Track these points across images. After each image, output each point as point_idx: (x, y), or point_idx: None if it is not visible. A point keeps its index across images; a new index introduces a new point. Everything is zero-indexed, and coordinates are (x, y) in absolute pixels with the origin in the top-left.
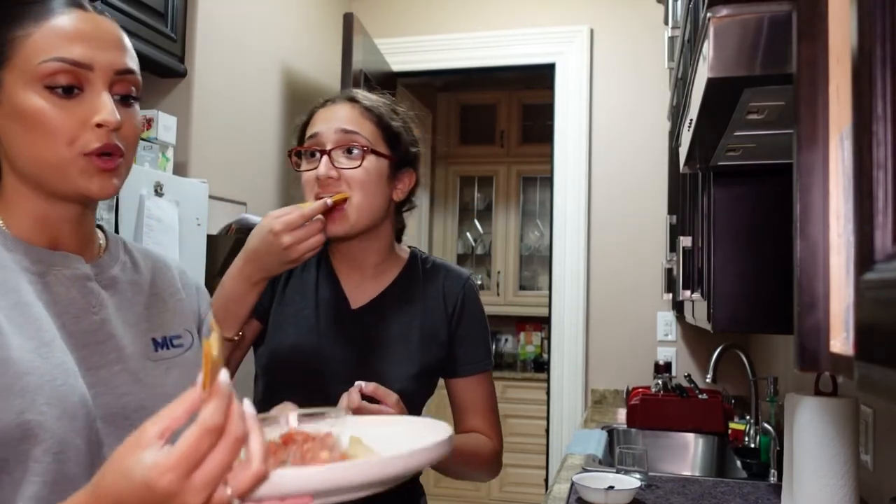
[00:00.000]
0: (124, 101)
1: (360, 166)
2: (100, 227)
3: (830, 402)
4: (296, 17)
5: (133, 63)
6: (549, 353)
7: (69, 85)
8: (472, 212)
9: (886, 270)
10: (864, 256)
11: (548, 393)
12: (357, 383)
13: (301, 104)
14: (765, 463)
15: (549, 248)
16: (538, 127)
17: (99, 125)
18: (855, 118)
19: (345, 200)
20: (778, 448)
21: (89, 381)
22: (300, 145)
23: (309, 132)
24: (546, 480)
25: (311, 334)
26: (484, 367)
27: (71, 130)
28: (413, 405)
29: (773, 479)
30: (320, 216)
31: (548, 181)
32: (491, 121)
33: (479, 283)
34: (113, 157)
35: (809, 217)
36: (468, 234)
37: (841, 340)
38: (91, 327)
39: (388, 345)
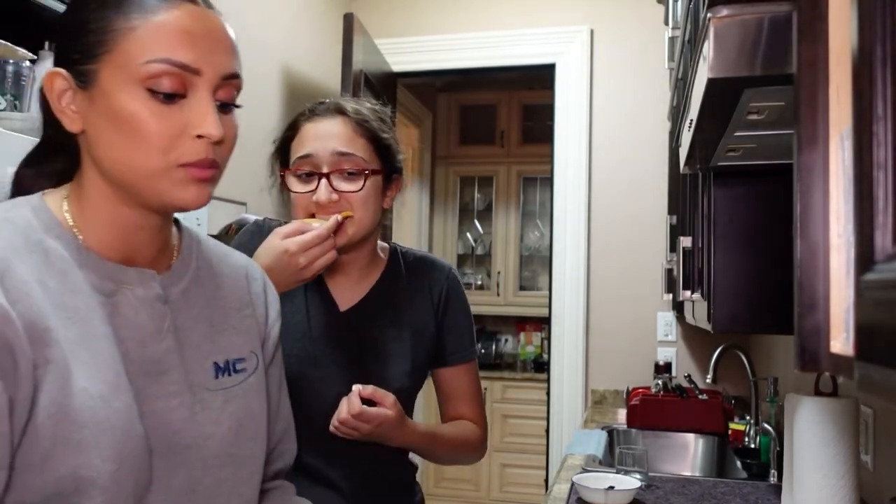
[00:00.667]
0: (224, 108)
1: (361, 189)
2: (176, 222)
3: (830, 403)
4: (296, 18)
5: (239, 66)
6: (549, 353)
7: (173, 91)
8: (472, 212)
9: (887, 271)
10: (865, 257)
11: (548, 393)
12: (355, 387)
13: (301, 104)
14: (765, 463)
15: (550, 249)
16: (538, 127)
17: (200, 136)
18: (855, 119)
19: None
20: (778, 448)
21: (145, 411)
22: (285, 163)
23: (299, 150)
24: (546, 481)
25: (303, 340)
26: (470, 356)
27: (168, 139)
28: (409, 401)
29: (773, 480)
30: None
31: (548, 181)
32: (491, 121)
33: (480, 283)
34: (210, 168)
35: (810, 217)
36: (468, 234)
37: (841, 341)
38: (156, 356)
39: (381, 344)
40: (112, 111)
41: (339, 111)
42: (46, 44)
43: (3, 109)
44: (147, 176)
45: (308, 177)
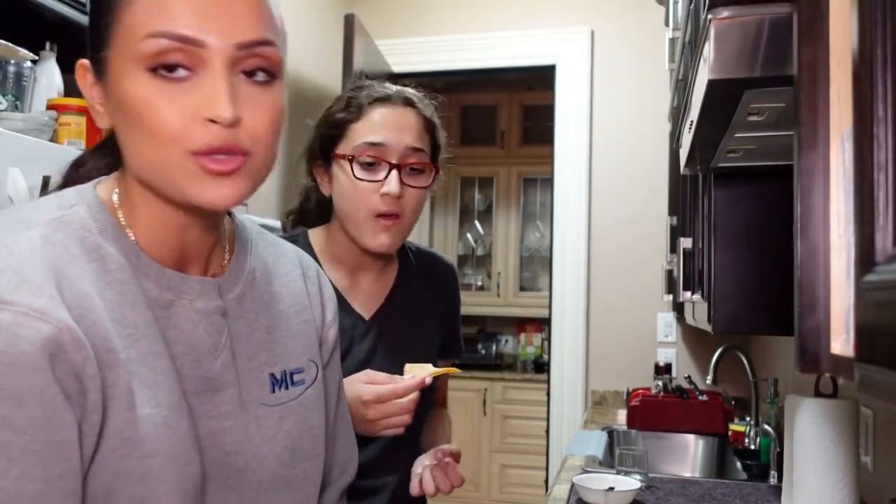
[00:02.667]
0: (257, 82)
1: (426, 187)
2: (229, 214)
3: (831, 404)
4: (296, 19)
5: (266, 30)
6: (549, 354)
7: (175, 64)
8: (472, 213)
9: (887, 272)
10: (865, 258)
11: (548, 394)
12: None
13: (302, 105)
14: (765, 464)
15: (550, 249)
16: (539, 128)
17: (211, 120)
18: (856, 120)
19: (442, 375)
20: (778, 449)
21: (199, 432)
22: (334, 147)
23: (367, 136)
24: (546, 481)
25: (344, 360)
26: (459, 353)
27: (177, 125)
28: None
29: (773, 481)
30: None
31: (548, 182)
32: (491, 122)
33: (480, 284)
34: (233, 158)
35: (810, 219)
36: (468, 235)
37: (841, 342)
38: (211, 374)
39: (409, 347)
40: (122, 101)
41: (410, 102)
42: (48, 44)
43: (4, 110)
44: (161, 168)
45: (371, 165)
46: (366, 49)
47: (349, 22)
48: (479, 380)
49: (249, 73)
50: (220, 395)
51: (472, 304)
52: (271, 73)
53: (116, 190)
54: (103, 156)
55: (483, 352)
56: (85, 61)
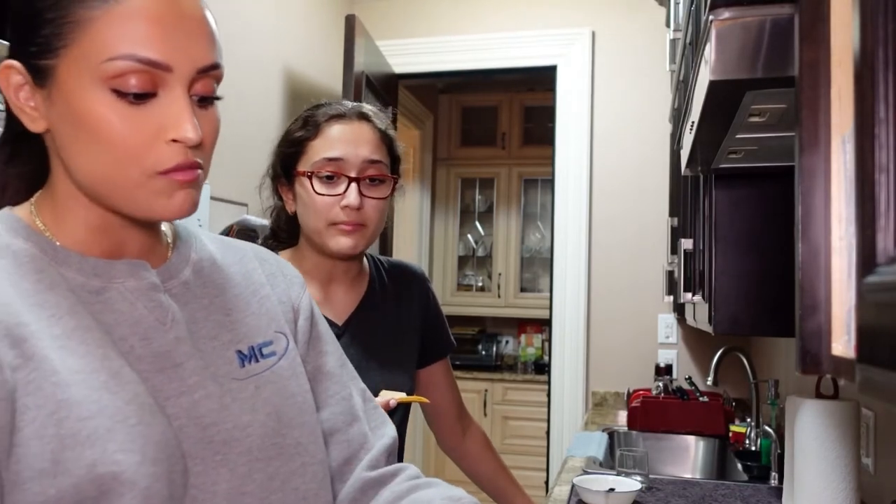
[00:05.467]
0: (203, 101)
1: (385, 197)
2: None
3: (832, 405)
4: (297, 19)
5: (219, 54)
6: (549, 355)
7: (142, 91)
8: (473, 213)
9: (888, 273)
10: (866, 259)
11: (548, 395)
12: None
13: (302, 105)
14: (766, 466)
15: (550, 250)
16: (539, 129)
17: (175, 140)
18: (857, 121)
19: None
20: (779, 451)
21: (169, 412)
22: (289, 161)
23: (325, 152)
24: (546, 483)
25: None
26: (451, 347)
27: (140, 145)
28: (408, 406)
29: (773, 482)
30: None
31: (549, 183)
32: (492, 123)
33: (480, 284)
34: (192, 170)
35: (811, 220)
36: (469, 235)
37: (842, 343)
38: (164, 348)
39: (383, 353)
40: (74, 114)
41: (365, 117)
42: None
43: None
44: (123, 187)
45: (330, 179)
46: (367, 50)
47: (350, 22)
48: (479, 381)
49: (201, 98)
50: (183, 368)
51: (472, 304)
52: (215, 95)
53: (33, 203)
54: (18, 164)
55: (483, 353)
56: (13, 62)
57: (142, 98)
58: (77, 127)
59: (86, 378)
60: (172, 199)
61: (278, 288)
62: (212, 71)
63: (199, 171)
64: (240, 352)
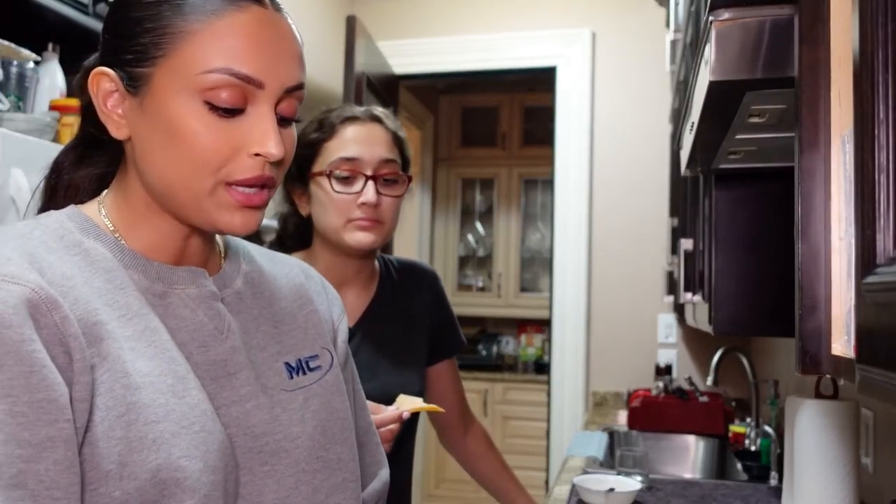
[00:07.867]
0: (284, 122)
1: (401, 195)
2: None
3: (831, 405)
4: (298, 20)
5: (304, 75)
6: (549, 355)
7: (233, 106)
8: (473, 214)
9: (888, 273)
10: (866, 260)
11: (548, 395)
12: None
13: (302, 105)
14: (765, 466)
15: (551, 251)
16: (540, 129)
17: (257, 154)
18: (857, 122)
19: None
20: (778, 451)
21: (222, 422)
22: (310, 166)
23: (341, 152)
24: (546, 482)
25: None
26: (461, 345)
27: (222, 157)
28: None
29: (773, 482)
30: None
31: (549, 183)
32: (492, 123)
33: (481, 285)
34: (262, 191)
35: (811, 220)
36: (469, 236)
37: (842, 343)
38: (221, 357)
39: (394, 352)
40: (165, 122)
41: (377, 119)
42: (50, 45)
43: (7, 110)
44: (194, 195)
45: (346, 179)
46: (367, 50)
47: (351, 23)
48: (479, 380)
49: (282, 118)
50: (236, 378)
51: (472, 304)
52: (296, 116)
53: (101, 202)
54: (88, 167)
55: (484, 352)
56: (107, 69)
57: (231, 113)
58: (165, 134)
59: (154, 381)
60: (235, 216)
61: (322, 305)
62: (297, 91)
63: (270, 190)
64: (288, 364)
